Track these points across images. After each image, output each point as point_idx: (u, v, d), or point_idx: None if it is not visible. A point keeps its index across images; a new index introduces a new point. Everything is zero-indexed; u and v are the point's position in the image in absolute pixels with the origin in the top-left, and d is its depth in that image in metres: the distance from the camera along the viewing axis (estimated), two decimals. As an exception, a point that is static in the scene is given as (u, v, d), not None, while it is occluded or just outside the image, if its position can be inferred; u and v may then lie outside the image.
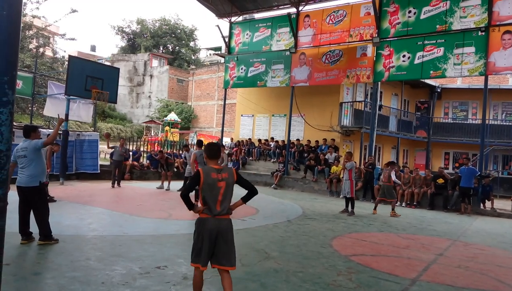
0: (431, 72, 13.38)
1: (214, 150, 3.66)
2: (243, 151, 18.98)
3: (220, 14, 19.13)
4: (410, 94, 22.38)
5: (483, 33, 12.43)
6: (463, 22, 12.84)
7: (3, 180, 2.76)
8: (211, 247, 3.44)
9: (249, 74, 17.99)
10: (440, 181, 13.09)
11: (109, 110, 36.93)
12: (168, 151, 18.26)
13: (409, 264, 5.80)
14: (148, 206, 9.74)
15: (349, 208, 10.48)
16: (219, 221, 3.47)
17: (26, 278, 4.14)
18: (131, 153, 16.72)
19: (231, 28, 18.99)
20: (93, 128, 18.87)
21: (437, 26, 13.27)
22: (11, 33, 2.80)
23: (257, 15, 19.54)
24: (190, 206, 3.53)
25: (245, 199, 3.68)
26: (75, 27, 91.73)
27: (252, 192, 3.67)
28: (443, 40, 13.15)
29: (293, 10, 16.73)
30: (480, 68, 12.48)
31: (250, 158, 18.74)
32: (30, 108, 18.98)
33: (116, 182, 13.17)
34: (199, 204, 3.58)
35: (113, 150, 13.45)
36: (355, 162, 12.81)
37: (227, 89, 19.99)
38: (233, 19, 18.99)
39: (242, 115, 21.13)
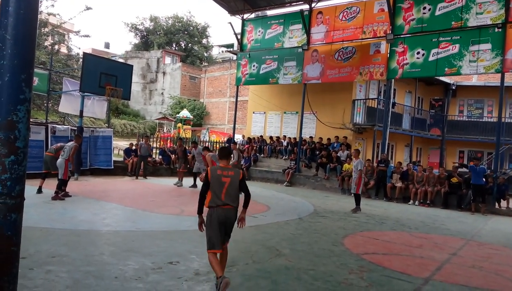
0: (446, 69, 13.18)
1: (224, 151, 4.41)
2: (254, 148, 18.99)
3: (233, 11, 19.13)
4: (424, 92, 22.08)
5: (500, 30, 12.19)
6: (479, 18, 12.60)
7: (20, 176, 2.82)
8: (221, 232, 4.03)
9: (261, 72, 17.97)
10: (454, 179, 12.92)
11: (123, 107, 37.29)
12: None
13: (421, 263, 5.75)
14: (160, 201, 9.84)
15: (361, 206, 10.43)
16: (224, 210, 4.03)
17: (41, 271, 4.22)
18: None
19: (243, 25, 18.97)
20: (107, 125, 19.09)
21: (453, 22, 13.06)
22: (28, 32, 2.85)
23: (270, 12, 19.47)
24: (200, 210, 4.14)
25: (245, 206, 4.27)
26: (90, 24, 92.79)
27: (247, 197, 4.25)
28: (458, 37, 12.93)
29: (305, 6, 16.63)
30: (497, 65, 12.25)
31: (262, 155, 18.74)
32: (45, 104, 19.28)
33: (138, 174, 14.49)
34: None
35: (138, 146, 14.94)
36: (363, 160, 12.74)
37: (239, 87, 20.00)
38: (245, 16, 18.97)
39: (254, 112, 21.13)
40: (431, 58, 13.38)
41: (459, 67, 12.87)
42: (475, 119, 21.59)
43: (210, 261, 3.99)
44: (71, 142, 9.55)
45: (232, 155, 5.59)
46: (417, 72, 14.07)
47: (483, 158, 20.01)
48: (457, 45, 12.89)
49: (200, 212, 4.14)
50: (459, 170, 13.78)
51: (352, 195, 10.86)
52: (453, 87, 21.66)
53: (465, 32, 12.87)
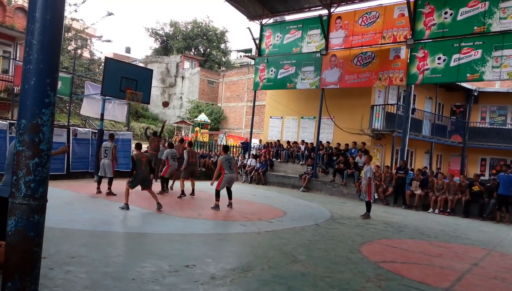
0: (468, 75, 12.91)
1: (139, 147, 9.03)
2: (271, 152, 18.98)
3: (251, 17, 19.23)
4: (445, 98, 21.68)
5: (525, 35, 11.89)
6: (503, 23, 12.32)
7: (44, 178, 2.89)
8: (141, 183, 8.48)
9: (279, 76, 17.98)
10: (476, 188, 12.61)
11: (142, 111, 37.82)
12: (199, 151, 18.48)
13: (441, 273, 5.63)
14: (177, 205, 9.91)
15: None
16: (144, 174, 8.49)
17: (61, 271, 4.31)
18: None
19: (261, 30, 19.04)
20: (126, 128, 19.39)
21: (475, 27, 12.80)
22: (54, 37, 2.93)
23: (288, 17, 19.48)
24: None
25: (151, 173, 9.13)
26: (111, 29, 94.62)
27: (152, 170, 9.32)
28: (481, 42, 12.66)
29: (324, 11, 16.57)
30: (521, 71, 11.93)
31: (279, 160, 18.71)
32: (67, 107, 19.73)
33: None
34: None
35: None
36: (378, 166, 12.60)
37: (257, 91, 20.03)
38: (264, 21, 19.03)
39: (271, 117, 21.12)
40: (452, 64, 13.13)
41: (482, 73, 12.59)
42: (498, 127, 21.06)
43: (125, 192, 8.39)
44: (109, 143, 10.66)
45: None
46: (437, 78, 13.82)
47: None
48: (480, 51, 12.62)
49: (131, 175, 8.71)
50: (481, 178, 13.43)
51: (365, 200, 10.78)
52: (475, 94, 21.19)
53: (488, 38, 12.59)
